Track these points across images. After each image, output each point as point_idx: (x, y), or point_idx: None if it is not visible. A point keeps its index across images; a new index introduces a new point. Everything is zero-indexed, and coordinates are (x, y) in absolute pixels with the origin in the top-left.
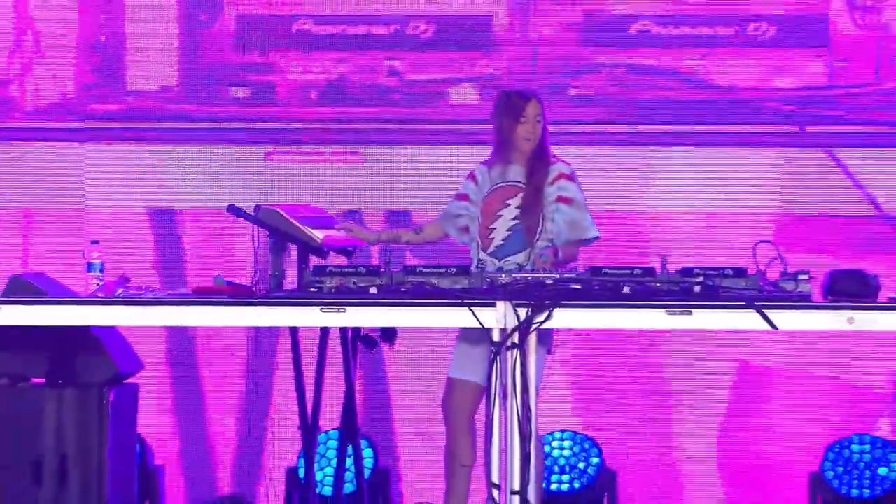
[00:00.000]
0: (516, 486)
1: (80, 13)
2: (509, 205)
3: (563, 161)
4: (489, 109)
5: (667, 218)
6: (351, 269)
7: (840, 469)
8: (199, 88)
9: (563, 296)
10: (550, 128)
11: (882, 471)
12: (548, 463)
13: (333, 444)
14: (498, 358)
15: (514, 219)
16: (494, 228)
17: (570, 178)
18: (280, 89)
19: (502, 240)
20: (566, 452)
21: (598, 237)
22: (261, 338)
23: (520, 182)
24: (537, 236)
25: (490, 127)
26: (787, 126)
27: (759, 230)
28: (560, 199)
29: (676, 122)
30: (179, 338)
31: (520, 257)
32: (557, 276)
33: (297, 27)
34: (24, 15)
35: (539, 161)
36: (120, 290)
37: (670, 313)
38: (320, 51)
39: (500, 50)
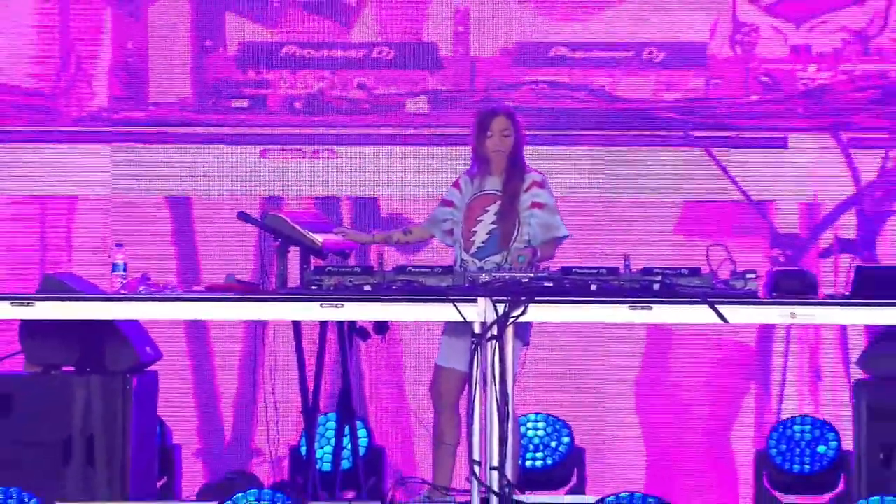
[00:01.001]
0: (495, 463)
1: (112, 40)
2: (488, 211)
3: (535, 171)
4: (437, 117)
5: (589, 204)
6: (347, 269)
7: (783, 447)
8: (207, 100)
9: (537, 293)
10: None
11: (821, 448)
12: (523, 442)
13: (332, 425)
14: (479, 348)
15: (492, 223)
16: (475, 232)
17: (542, 185)
18: (271, 101)
19: (482, 242)
20: (540, 432)
21: (567, 235)
22: (266, 330)
23: (498, 191)
24: (513, 240)
25: (440, 131)
26: (673, 130)
27: (647, 214)
28: (534, 205)
29: (587, 126)
30: (193, 330)
31: (497, 258)
32: (532, 274)
33: (285, 51)
34: (67, 41)
35: (513, 172)
36: (141, 288)
37: (632, 308)
38: (303, 70)
39: (445, 70)
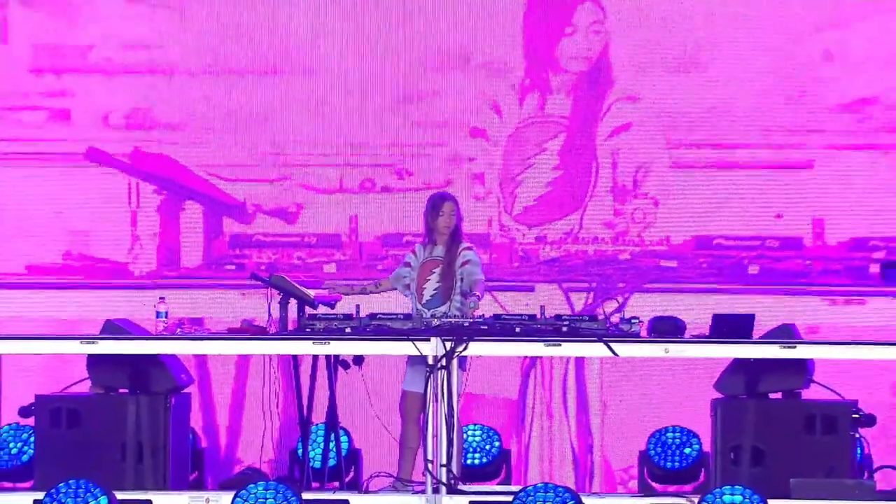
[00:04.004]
0: (444, 461)
1: (159, 234)
2: (434, 273)
3: (467, 241)
4: (340, 275)
5: None
6: (333, 315)
7: (659, 449)
8: (212, 266)
9: (476, 333)
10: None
11: (687, 450)
12: (465, 445)
13: (321, 432)
14: (431, 375)
15: (437, 282)
16: (425, 289)
17: (469, 249)
18: (248, 265)
19: (430, 296)
20: (477, 438)
21: (483, 279)
22: (272, 362)
23: (441, 258)
24: (452, 295)
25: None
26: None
27: None
28: (463, 264)
29: None
30: (217, 362)
31: (442, 308)
32: (471, 319)
33: (255, 238)
34: (134, 232)
35: (453, 243)
36: (178, 330)
37: (547, 345)
38: (265, 248)
39: (344, 248)
